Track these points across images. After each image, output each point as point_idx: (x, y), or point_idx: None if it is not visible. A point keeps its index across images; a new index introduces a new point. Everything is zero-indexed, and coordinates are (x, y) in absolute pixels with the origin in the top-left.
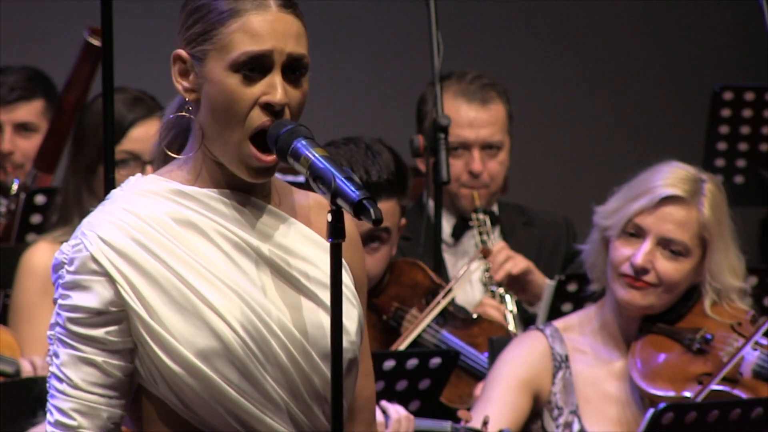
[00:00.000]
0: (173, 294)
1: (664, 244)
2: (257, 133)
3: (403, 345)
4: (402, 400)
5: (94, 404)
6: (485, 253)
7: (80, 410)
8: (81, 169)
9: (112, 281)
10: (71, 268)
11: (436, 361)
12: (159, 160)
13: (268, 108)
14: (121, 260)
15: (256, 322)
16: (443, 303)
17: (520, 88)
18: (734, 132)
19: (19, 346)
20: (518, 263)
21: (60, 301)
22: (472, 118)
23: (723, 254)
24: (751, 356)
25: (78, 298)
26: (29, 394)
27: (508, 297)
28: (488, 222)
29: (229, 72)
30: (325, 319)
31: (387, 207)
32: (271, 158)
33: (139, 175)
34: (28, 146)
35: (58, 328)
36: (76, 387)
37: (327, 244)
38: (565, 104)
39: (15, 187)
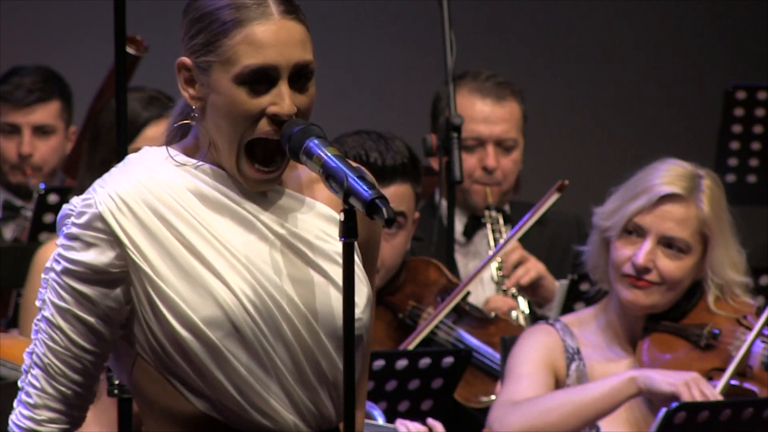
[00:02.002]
0: (180, 261)
1: (665, 242)
2: (257, 141)
3: (414, 343)
4: (414, 399)
5: (82, 359)
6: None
7: (68, 362)
8: (96, 167)
9: (118, 242)
10: (78, 221)
11: (448, 360)
12: None
13: (275, 118)
14: (130, 222)
15: (263, 295)
16: (457, 298)
17: (533, 87)
18: (747, 131)
19: None
20: (530, 271)
21: (60, 250)
22: (487, 113)
23: (723, 249)
24: (758, 348)
25: (78, 252)
26: None
27: (520, 298)
28: (501, 219)
29: (235, 84)
30: (334, 297)
31: (402, 191)
32: (270, 172)
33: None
34: (46, 148)
35: (52, 274)
36: (67, 338)
37: (335, 216)
38: (578, 104)
39: (41, 191)
